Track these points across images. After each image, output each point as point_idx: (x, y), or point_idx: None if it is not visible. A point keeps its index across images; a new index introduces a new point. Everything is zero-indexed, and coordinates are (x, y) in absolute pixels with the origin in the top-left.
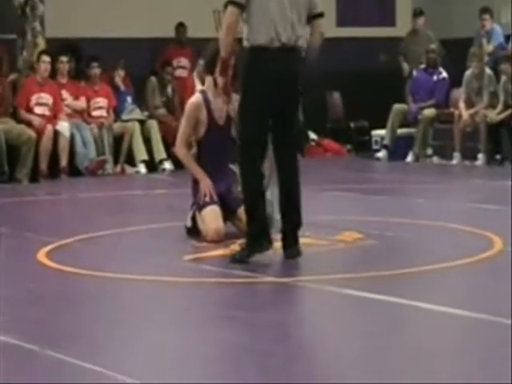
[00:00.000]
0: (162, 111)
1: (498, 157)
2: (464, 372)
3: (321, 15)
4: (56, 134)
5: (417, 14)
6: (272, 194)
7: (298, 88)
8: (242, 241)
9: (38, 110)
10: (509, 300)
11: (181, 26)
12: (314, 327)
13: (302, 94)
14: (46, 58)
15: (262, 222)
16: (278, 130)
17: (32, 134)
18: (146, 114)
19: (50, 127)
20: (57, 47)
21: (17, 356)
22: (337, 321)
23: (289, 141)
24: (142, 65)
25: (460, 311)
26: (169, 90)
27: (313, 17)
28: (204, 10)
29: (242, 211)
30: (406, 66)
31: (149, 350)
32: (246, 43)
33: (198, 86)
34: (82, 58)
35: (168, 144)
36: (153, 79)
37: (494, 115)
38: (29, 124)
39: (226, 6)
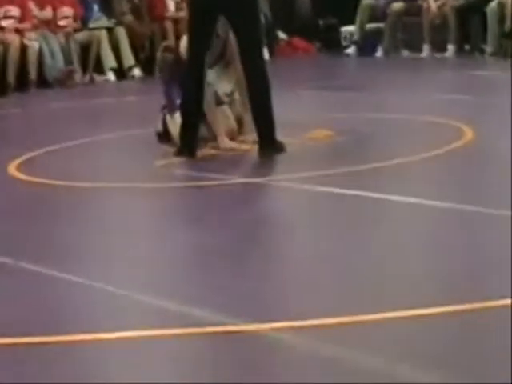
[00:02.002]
0: (129, 17)
1: (467, 47)
2: (436, 261)
3: None
4: (24, 46)
5: None
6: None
7: None
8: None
9: (5, 22)
10: (478, 188)
11: None
12: (285, 225)
13: None
14: None
15: (194, 122)
16: (239, 34)
17: None
18: (113, 21)
19: (17, 39)
20: None
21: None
22: (309, 217)
23: (249, 43)
24: None
25: (431, 202)
26: None
27: None
28: None
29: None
30: None
31: (121, 256)
32: None
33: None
34: None
35: (137, 50)
36: None
37: (464, 1)
38: None
39: None
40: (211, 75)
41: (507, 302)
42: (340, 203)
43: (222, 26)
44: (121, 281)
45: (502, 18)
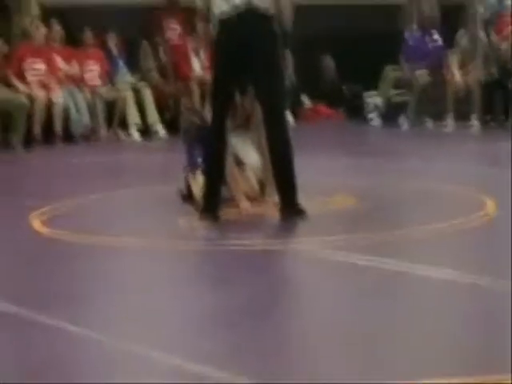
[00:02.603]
0: (155, 76)
1: (489, 118)
2: (453, 333)
3: None
4: (50, 100)
5: None
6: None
7: (267, 50)
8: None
9: (31, 76)
10: (499, 261)
11: None
12: (304, 289)
13: (279, 57)
14: (42, 28)
15: (216, 184)
16: (261, 98)
17: (23, 99)
18: (138, 78)
19: (43, 94)
20: (48, 13)
21: (10, 323)
22: (329, 283)
23: (271, 107)
24: (133, 29)
25: (450, 272)
26: (161, 53)
27: None
28: None
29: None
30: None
31: (143, 313)
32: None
33: (193, 57)
34: (71, 24)
35: (161, 108)
36: (145, 43)
37: (488, 76)
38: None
39: None
40: (234, 140)
41: None
42: (359, 270)
43: (250, 102)
44: (139, 340)
45: None
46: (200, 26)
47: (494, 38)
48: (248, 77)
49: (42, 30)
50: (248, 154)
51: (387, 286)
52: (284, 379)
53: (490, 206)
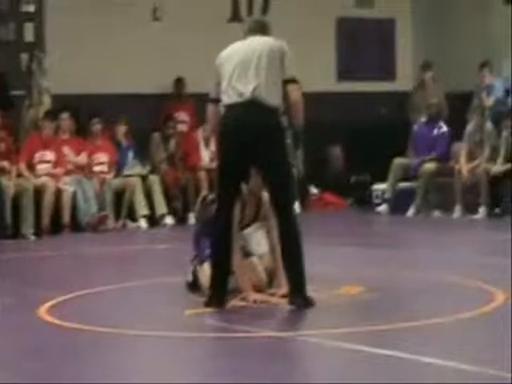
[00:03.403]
0: (164, 166)
1: (497, 210)
2: None
3: (291, 81)
4: (58, 190)
5: (426, 66)
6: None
7: (272, 142)
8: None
9: (41, 167)
10: (508, 354)
11: (179, 81)
12: (314, 381)
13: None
14: (50, 123)
15: (223, 275)
16: (271, 189)
17: (30, 188)
18: (148, 168)
19: (52, 184)
20: (58, 104)
21: None
22: (337, 375)
23: (280, 198)
24: (142, 120)
25: (460, 365)
26: (171, 144)
27: (284, 82)
28: (202, 64)
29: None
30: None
31: None
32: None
33: (202, 147)
34: (81, 114)
35: (169, 198)
36: (156, 135)
37: (496, 168)
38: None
39: None
40: (246, 233)
41: None
42: (368, 362)
43: (256, 184)
44: None
45: None
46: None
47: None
48: (256, 168)
49: (52, 124)
50: (258, 243)
51: (393, 375)
52: None
53: (499, 297)
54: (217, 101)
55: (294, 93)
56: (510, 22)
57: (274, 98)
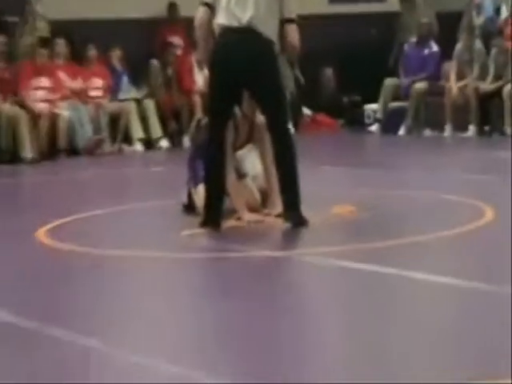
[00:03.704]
0: (156, 87)
1: (487, 128)
2: (455, 338)
3: (289, 21)
4: (54, 115)
5: None
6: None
7: (266, 69)
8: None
9: (37, 93)
10: (499, 268)
11: (172, 6)
12: (307, 299)
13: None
14: (44, 49)
15: (218, 195)
16: (264, 112)
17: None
18: (143, 93)
19: (48, 109)
20: (52, 30)
21: (18, 335)
22: (332, 292)
23: (274, 120)
24: (136, 45)
25: (451, 280)
26: (169, 71)
27: (284, 21)
28: None
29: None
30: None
31: (150, 324)
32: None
33: (197, 71)
34: (75, 40)
35: (165, 122)
36: (155, 62)
37: (485, 87)
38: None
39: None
40: (240, 155)
41: None
42: (360, 279)
43: (249, 107)
44: (146, 350)
45: None
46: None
47: (504, 44)
48: (249, 91)
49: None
50: (251, 164)
51: (385, 292)
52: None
53: (489, 213)
54: (207, 5)
55: (292, 34)
56: None
57: (269, 30)
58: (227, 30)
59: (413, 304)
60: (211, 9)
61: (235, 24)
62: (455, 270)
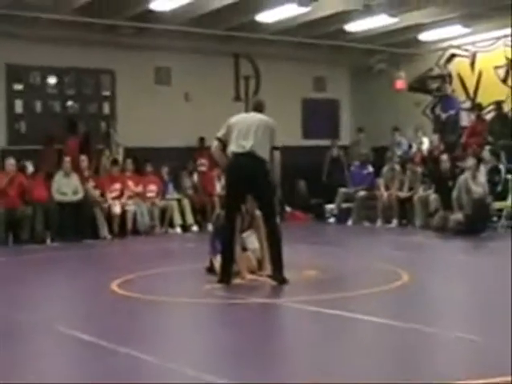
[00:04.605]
0: (190, 191)
1: (404, 221)
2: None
3: (276, 148)
4: (124, 209)
5: (359, 130)
6: (262, 246)
7: (262, 179)
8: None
9: (110, 195)
10: (413, 311)
11: (201, 139)
12: (289, 330)
13: (274, 185)
14: (116, 166)
15: (229, 262)
16: (261, 208)
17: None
18: (181, 194)
19: (119, 205)
20: (125, 153)
21: (99, 353)
22: (302, 326)
23: (267, 213)
24: (178, 163)
25: (385, 320)
26: (194, 177)
27: (272, 148)
28: (216, 128)
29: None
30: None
31: (183, 343)
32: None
33: (216, 181)
34: (139, 160)
35: (195, 213)
36: (184, 172)
37: (403, 194)
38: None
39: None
40: (244, 236)
41: None
42: (323, 318)
43: (251, 205)
44: (191, 363)
45: (425, 204)
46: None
47: (414, 167)
48: (251, 195)
49: (118, 167)
50: (251, 242)
51: (340, 327)
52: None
53: (405, 276)
54: (219, 139)
55: (276, 156)
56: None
57: (263, 154)
58: (237, 154)
59: (353, 334)
60: (222, 141)
61: (241, 150)
62: (385, 313)
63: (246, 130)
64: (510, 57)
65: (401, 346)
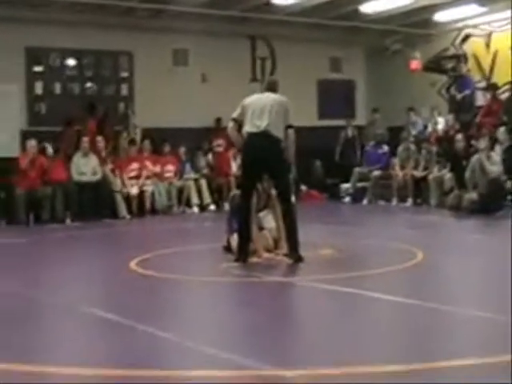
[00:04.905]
0: (205, 171)
1: (419, 200)
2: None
3: (289, 126)
4: (142, 189)
5: (374, 110)
6: (278, 225)
7: (276, 159)
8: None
9: (130, 174)
10: (427, 290)
11: (218, 120)
12: (304, 308)
13: (289, 164)
14: (134, 146)
15: (246, 241)
16: (276, 187)
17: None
18: (198, 174)
19: (137, 186)
20: (143, 134)
21: (115, 327)
22: (320, 304)
23: (282, 192)
24: (195, 144)
25: (404, 299)
26: (209, 157)
27: (286, 127)
28: (233, 109)
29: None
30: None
31: (201, 321)
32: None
33: (232, 161)
34: (157, 140)
35: (212, 193)
36: (199, 152)
37: (417, 174)
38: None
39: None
40: (261, 215)
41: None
42: (339, 296)
43: (267, 185)
44: (202, 339)
45: (440, 183)
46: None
47: (429, 147)
48: (266, 174)
49: (136, 147)
50: (268, 222)
51: (355, 305)
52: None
53: (420, 255)
54: (235, 120)
55: (291, 134)
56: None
57: (278, 133)
58: (251, 134)
59: (371, 312)
60: (237, 122)
61: (256, 130)
62: (402, 292)
63: (260, 110)
64: None
65: (417, 325)
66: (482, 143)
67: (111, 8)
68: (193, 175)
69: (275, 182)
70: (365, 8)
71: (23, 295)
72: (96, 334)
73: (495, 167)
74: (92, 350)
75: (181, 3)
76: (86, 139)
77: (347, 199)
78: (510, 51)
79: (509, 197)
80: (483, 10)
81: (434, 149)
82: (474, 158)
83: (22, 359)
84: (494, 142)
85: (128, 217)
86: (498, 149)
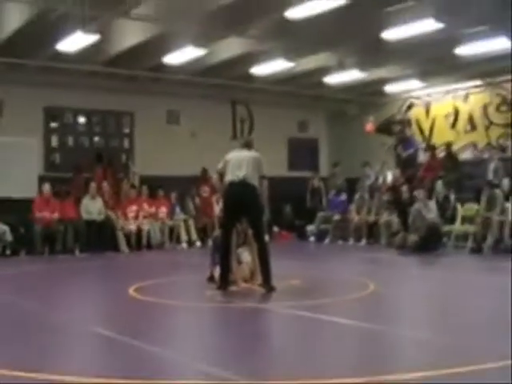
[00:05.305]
0: (193, 213)
1: (371, 240)
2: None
3: (262, 177)
4: (139, 227)
5: (335, 164)
6: (254, 259)
7: (252, 203)
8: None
9: (130, 214)
10: (379, 315)
11: (204, 170)
12: (274, 329)
13: (263, 208)
14: (133, 190)
15: (226, 272)
16: (252, 227)
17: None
18: (186, 216)
19: (135, 224)
20: (141, 180)
21: (117, 347)
22: (286, 328)
23: (257, 232)
24: (184, 190)
25: (358, 323)
26: (196, 201)
27: (260, 177)
28: (216, 162)
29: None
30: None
31: (187, 340)
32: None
33: (215, 205)
34: (152, 186)
35: (198, 231)
36: (188, 197)
37: (371, 218)
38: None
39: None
40: (239, 251)
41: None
42: (304, 320)
43: (244, 225)
44: (192, 355)
45: (389, 226)
46: (218, 187)
47: (380, 196)
48: (244, 216)
49: (135, 192)
50: (245, 257)
51: (314, 328)
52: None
53: (372, 286)
54: (220, 174)
55: (264, 183)
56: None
57: (254, 182)
58: (232, 183)
59: (331, 333)
60: (221, 175)
61: (236, 179)
62: (354, 316)
63: (239, 163)
64: (456, 106)
65: (368, 344)
66: (420, 194)
67: (116, 75)
68: (182, 216)
69: (251, 222)
70: (328, 79)
71: (38, 313)
72: (95, 348)
73: (432, 214)
74: (91, 362)
75: (175, 72)
76: (93, 184)
77: (312, 239)
78: (445, 118)
79: (444, 239)
80: (424, 84)
81: (384, 197)
82: (414, 207)
83: (32, 367)
84: (430, 192)
85: (127, 251)
86: (434, 199)
